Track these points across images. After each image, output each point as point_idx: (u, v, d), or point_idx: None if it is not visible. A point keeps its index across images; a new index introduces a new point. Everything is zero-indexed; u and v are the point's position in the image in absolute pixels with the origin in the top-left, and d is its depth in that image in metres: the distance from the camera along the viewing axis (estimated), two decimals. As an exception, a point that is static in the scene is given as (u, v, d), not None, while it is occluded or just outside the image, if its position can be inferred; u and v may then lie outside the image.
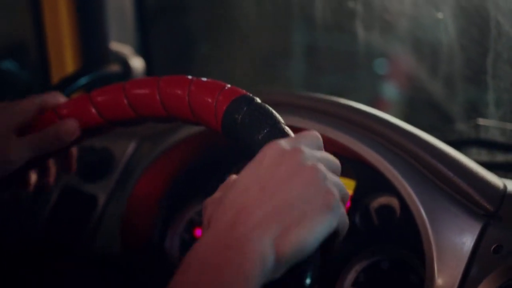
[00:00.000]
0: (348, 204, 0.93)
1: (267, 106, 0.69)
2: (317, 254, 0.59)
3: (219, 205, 0.58)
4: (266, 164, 0.59)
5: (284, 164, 0.58)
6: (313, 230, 0.55)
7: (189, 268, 0.53)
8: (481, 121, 1.14)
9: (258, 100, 0.70)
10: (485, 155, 1.12)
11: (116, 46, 1.36)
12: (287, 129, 0.67)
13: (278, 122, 0.67)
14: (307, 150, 0.60)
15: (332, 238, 0.59)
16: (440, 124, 1.22)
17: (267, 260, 0.54)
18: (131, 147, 1.06)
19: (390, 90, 1.35)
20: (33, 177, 0.87)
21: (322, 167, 0.59)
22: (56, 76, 1.36)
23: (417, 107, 1.26)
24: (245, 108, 0.69)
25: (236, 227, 0.55)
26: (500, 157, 1.13)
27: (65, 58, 1.34)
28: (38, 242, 1.05)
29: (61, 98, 0.84)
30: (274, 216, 0.55)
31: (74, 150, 0.89)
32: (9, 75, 1.56)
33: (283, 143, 0.60)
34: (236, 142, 0.70)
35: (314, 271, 0.59)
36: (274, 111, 0.69)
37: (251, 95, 0.70)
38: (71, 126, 0.80)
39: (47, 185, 0.89)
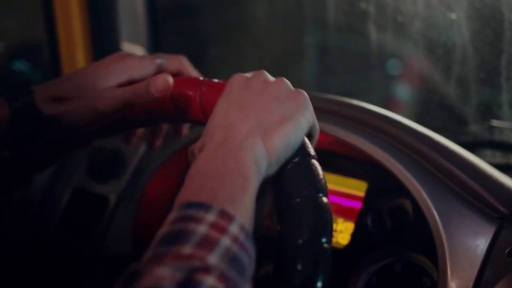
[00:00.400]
0: (360, 205, 0.93)
1: None
2: (329, 256, 0.59)
3: (205, 135, 0.63)
4: (236, 90, 0.66)
5: (251, 85, 0.66)
6: (294, 126, 0.64)
7: (192, 180, 0.59)
8: (495, 123, 1.13)
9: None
10: (499, 157, 1.11)
11: (128, 46, 1.36)
12: None
13: None
14: (266, 73, 0.69)
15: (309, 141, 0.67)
16: (453, 126, 1.21)
17: (261, 160, 0.61)
18: (142, 147, 1.06)
19: (403, 91, 1.34)
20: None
21: (284, 79, 0.68)
22: (67, 76, 1.36)
23: (430, 109, 1.25)
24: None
25: (227, 142, 0.61)
26: (514, 159, 1.12)
27: (77, 58, 1.34)
28: (49, 243, 1.05)
29: (186, 67, 0.81)
30: (259, 125, 0.62)
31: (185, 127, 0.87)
32: (21, 75, 1.56)
33: (244, 74, 0.68)
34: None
35: (325, 274, 0.58)
36: None
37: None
38: (162, 80, 0.72)
39: (152, 146, 0.88)
